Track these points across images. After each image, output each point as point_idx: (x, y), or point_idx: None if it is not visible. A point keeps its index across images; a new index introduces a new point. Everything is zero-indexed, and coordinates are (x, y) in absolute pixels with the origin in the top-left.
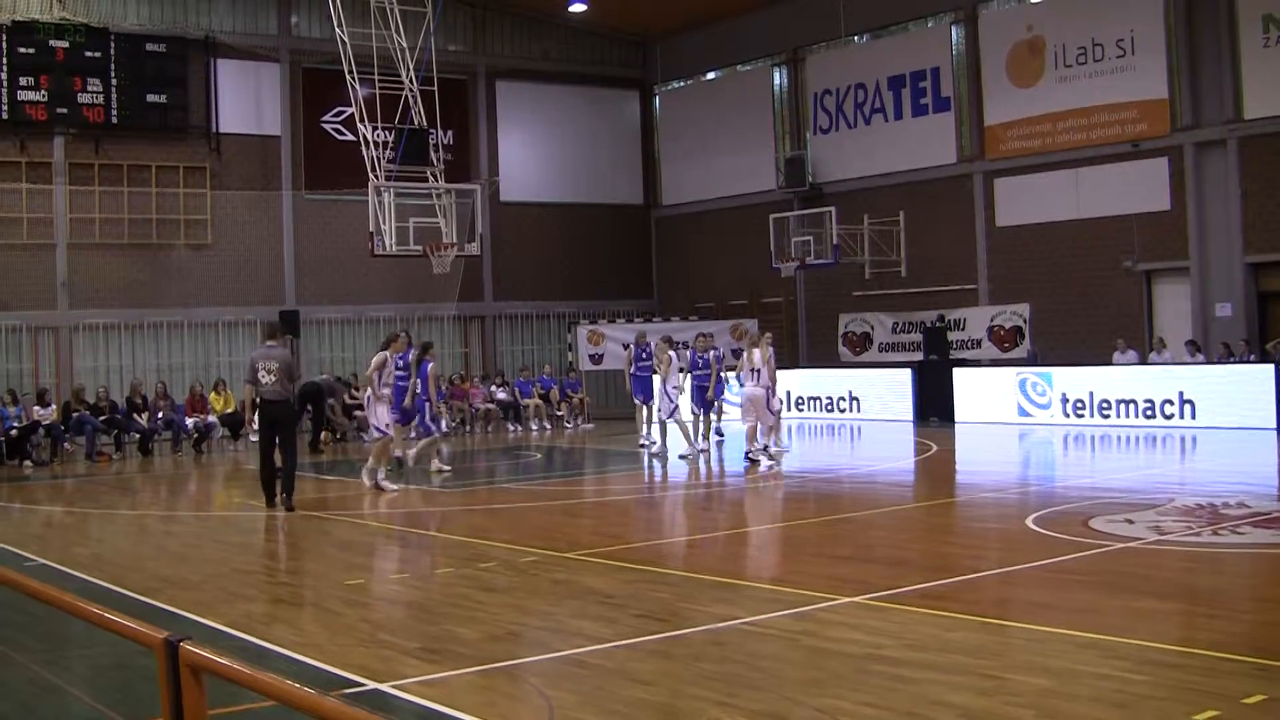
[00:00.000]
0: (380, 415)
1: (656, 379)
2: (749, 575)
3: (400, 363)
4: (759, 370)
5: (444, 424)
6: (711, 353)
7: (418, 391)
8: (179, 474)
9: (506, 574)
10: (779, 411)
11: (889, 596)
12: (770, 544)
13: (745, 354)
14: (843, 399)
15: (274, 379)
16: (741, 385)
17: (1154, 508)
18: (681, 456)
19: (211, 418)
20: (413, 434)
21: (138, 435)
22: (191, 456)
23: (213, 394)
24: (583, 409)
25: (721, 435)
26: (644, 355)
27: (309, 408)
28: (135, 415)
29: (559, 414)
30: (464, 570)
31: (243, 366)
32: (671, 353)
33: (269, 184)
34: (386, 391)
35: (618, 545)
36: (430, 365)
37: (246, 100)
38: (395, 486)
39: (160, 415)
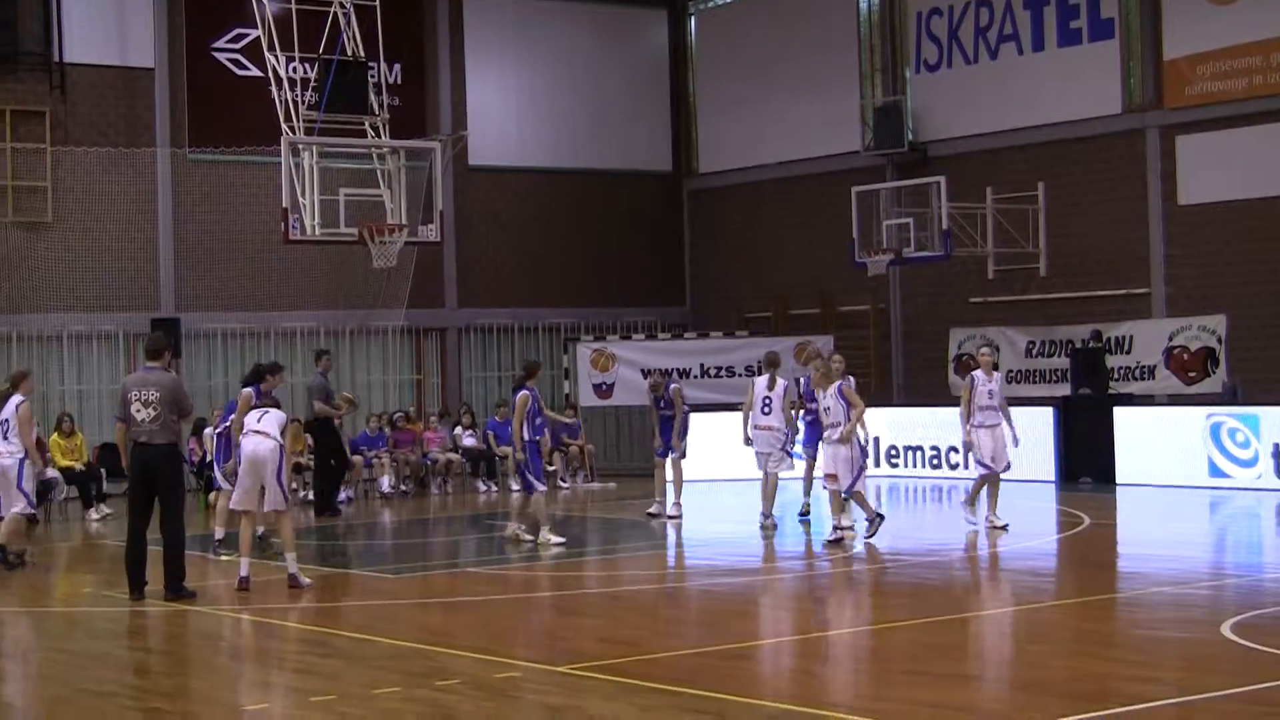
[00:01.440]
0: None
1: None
2: (817, 700)
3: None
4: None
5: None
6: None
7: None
8: None
9: (475, 696)
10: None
11: None
12: (847, 656)
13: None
14: (954, 449)
15: (152, 414)
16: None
17: None
18: (762, 527)
19: (52, 471)
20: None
21: None
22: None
23: (55, 436)
24: (585, 462)
25: (806, 515)
26: (662, 404)
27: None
28: None
29: (551, 468)
30: (414, 690)
31: (98, 398)
32: (758, 379)
33: (136, 138)
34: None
35: (633, 656)
36: (520, 394)
37: (104, 19)
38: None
39: None
